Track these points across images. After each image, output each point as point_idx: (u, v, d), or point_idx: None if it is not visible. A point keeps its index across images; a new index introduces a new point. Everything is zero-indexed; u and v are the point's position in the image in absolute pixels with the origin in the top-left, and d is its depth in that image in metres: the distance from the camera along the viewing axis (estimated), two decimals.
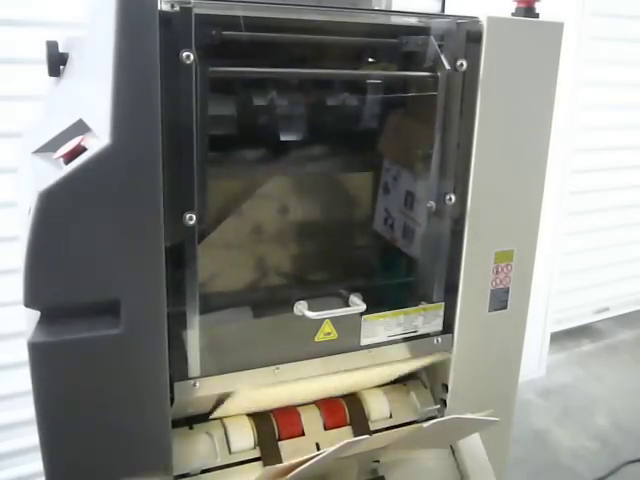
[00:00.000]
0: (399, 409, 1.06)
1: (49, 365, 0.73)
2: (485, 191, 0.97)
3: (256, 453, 0.94)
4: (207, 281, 0.92)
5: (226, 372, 0.88)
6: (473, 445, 1.03)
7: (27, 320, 0.73)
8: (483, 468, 1.03)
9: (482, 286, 1.01)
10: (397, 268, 1.08)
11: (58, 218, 0.69)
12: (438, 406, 1.07)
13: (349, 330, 0.95)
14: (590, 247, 2.86)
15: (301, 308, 0.93)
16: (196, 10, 0.74)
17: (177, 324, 0.82)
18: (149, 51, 0.69)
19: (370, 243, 1.12)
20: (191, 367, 0.85)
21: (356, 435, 0.99)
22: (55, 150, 0.80)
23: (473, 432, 1.02)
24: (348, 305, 0.97)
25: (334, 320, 0.94)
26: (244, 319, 0.97)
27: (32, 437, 0.70)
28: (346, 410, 1.02)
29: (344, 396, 1.04)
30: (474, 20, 0.91)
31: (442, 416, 1.04)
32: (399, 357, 1.01)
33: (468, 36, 0.91)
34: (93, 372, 0.75)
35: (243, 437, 0.94)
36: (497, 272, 1.02)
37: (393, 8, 1.12)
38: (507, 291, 1.04)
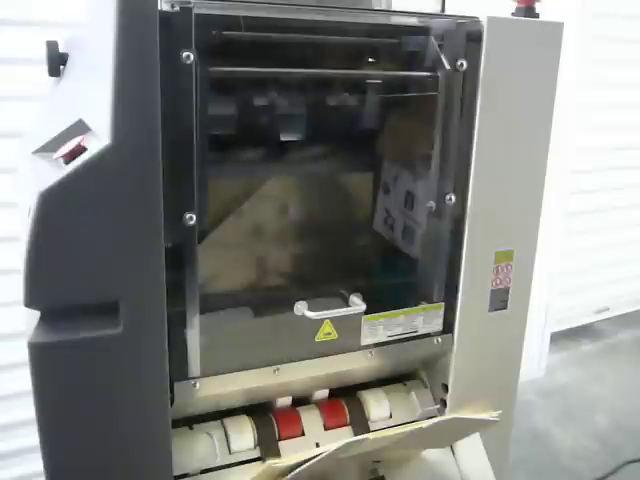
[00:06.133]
0: (399, 409, 1.06)
1: (49, 365, 0.73)
2: (485, 191, 0.97)
3: (256, 453, 0.94)
4: (207, 281, 0.91)
5: (226, 372, 0.88)
6: (473, 445, 1.03)
7: (27, 320, 0.73)
8: (483, 468, 1.03)
9: (482, 286, 1.01)
10: (397, 268, 1.08)
11: (58, 218, 0.69)
12: (438, 406, 1.07)
13: (349, 330, 0.95)
14: (590, 247, 2.86)
15: (301, 308, 0.93)
16: (196, 10, 0.74)
17: (177, 324, 0.82)
18: (149, 51, 0.69)
19: (370, 243, 1.12)
20: (191, 367, 0.85)
21: (356, 435, 0.98)
22: (55, 150, 0.80)
23: (473, 432, 1.02)
24: (348, 305, 0.97)
25: (334, 320, 0.94)
26: (244, 319, 0.97)
27: (32, 437, 0.70)
28: (346, 410, 1.02)
29: (344, 396, 1.04)
30: (474, 20, 0.91)
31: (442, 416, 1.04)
32: (399, 357, 1.01)
33: (468, 36, 0.91)
34: (93, 372, 0.75)
35: (243, 437, 0.94)
36: (497, 272, 1.02)
37: (393, 8, 1.12)
38: (507, 291, 1.04)
